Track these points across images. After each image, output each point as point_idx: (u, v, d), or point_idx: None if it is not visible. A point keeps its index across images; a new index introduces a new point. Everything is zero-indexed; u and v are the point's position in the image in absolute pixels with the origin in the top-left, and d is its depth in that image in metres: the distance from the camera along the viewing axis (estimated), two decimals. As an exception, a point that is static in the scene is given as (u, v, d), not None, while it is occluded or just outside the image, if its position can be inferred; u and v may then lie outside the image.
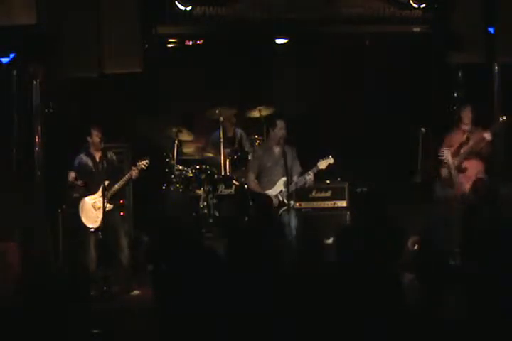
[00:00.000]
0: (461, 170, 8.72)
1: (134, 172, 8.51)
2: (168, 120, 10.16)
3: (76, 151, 8.75)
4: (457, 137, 8.83)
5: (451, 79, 10.07)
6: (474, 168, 8.73)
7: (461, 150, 8.75)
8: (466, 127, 8.81)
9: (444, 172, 8.80)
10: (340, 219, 9.51)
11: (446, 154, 8.78)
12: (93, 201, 8.51)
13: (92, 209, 8.48)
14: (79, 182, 8.50)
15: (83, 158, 8.60)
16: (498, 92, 9.64)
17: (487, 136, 8.60)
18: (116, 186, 8.51)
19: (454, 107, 10.02)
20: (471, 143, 8.72)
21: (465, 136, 8.79)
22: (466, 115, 8.80)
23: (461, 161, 8.72)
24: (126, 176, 8.54)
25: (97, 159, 8.61)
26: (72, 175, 8.49)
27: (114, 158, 8.76)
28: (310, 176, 8.64)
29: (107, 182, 8.43)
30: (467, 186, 8.64)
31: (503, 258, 4.18)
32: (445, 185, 8.76)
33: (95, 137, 8.50)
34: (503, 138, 9.27)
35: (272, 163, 8.75)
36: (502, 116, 8.69)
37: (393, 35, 9.90)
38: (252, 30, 9.64)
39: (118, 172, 8.63)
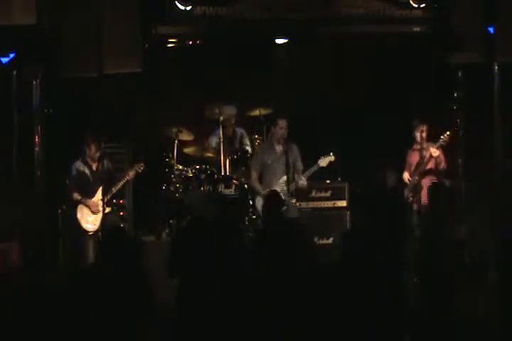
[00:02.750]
0: (418, 189, 8.73)
1: (131, 174, 8.60)
2: (168, 120, 10.16)
3: (76, 151, 8.77)
4: (414, 156, 8.90)
5: (451, 79, 10.06)
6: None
7: (418, 170, 8.79)
8: (420, 145, 8.84)
9: (406, 192, 8.88)
10: (340, 219, 9.51)
11: (404, 175, 8.87)
12: (93, 202, 8.54)
13: (90, 213, 8.51)
14: (79, 198, 8.57)
15: (80, 165, 8.61)
16: (498, 92, 9.63)
17: (433, 152, 8.65)
18: (114, 190, 8.59)
19: (454, 107, 10.02)
20: (424, 162, 8.77)
21: (420, 154, 8.83)
22: (420, 133, 8.82)
23: (417, 180, 8.76)
24: (123, 179, 8.63)
25: (94, 166, 8.64)
26: (75, 195, 8.59)
27: (110, 165, 8.82)
28: (302, 181, 8.66)
29: (103, 186, 8.50)
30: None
31: None
32: (407, 203, 8.85)
33: (90, 144, 8.54)
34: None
35: (273, 161, 8.77)
36: (445, 134, 8.70)
37: (393, 35, 9.89)
38: (252, 30, 9.63)
39: (114, 179, 8.68)
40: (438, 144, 8.75)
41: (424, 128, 8.84)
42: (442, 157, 8.81)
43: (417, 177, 8.73)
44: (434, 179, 8.76)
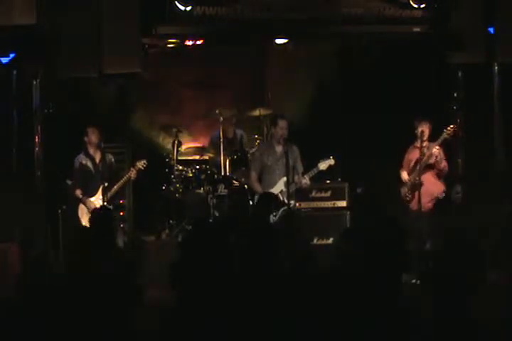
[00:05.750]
0: (417, 185, 8.70)
1: (133, 174, 8.61)
2: (168, 120, 10.16)
3: (76, 151, 8.78)
4: (414, 154, 8.84)
5: (451, 79, 10.07)
6: (431, 183, 8.73)
7: (417, 167, 8.75)
8: (423, 143, 8.78)
9: (402, 191, 8.86)
10: (340, 219, 9.51)
11: (402, 174, 8.85)
12: (93, 203, 8.57)
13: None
14: (81, 197, 8.58)
15: (83, 159, 8.66)
16: (498, 92, 9.64)
17: (435, 150, 8.62)
18: (115, 187, 8.59)
19: (454, 107, 10.03)
20: (424, 158, 8.73)
21: (420, 152, 8.78)
22: (423, 131, 8.76)
23: (416, 177, 8.72)
24: (125, 177, 8.62)
25: (97, 160, 8.66)
26: (77, 192, 8.60)
27: (113, 160, 8.82)
28: (305, 180, 8.65)
29: (106, 184, 8.48)
30: (426, 201, 8.64)
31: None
32: (404, 202, 8.82)
33: (91, 136, 8.58)
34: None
35: (273, 162, 8.77)
36: (449, 127, 8.67)
37: (393, 35, 9.89)
38: (252, 30, 9.63)
39: (115, 175, 8.69)
40: (442, 138, 8.67)
41: (427, 126, 8.80)
42: (443, 156, 8.76)
43: (417, 177, 8.70)
44: (434, 176, 8.77)
